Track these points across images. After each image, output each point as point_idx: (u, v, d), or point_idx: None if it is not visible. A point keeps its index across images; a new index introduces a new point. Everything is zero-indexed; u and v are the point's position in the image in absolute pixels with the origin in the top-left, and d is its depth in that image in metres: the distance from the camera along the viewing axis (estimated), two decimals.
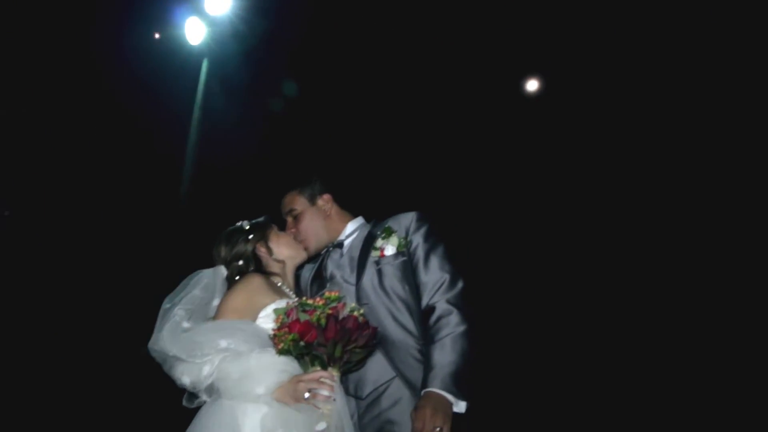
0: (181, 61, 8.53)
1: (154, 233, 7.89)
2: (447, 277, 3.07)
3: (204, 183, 8.23)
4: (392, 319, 3.04)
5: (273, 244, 3.24)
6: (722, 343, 8.11)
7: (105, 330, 7.27)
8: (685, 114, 8.96)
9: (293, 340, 2.61)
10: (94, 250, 7.95)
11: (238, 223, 3.31)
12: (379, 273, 3.14)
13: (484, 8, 9.12)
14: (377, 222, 3.41)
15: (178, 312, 2.82)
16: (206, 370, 2.67)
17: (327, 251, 3.41)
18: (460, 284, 3.07)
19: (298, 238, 3.37)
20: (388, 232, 3.24)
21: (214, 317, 2.90)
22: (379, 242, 3.23)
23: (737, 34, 8.28)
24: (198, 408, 2.77)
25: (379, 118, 9.16)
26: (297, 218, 3.38)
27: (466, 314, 2.98)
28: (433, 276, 3.08)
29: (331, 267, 3.33)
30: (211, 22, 8.32)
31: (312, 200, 3.42)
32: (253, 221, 3.32)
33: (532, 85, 10.14)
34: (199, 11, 8.22)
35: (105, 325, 7.32)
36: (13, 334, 7.03)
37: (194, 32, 8.26)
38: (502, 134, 9.99)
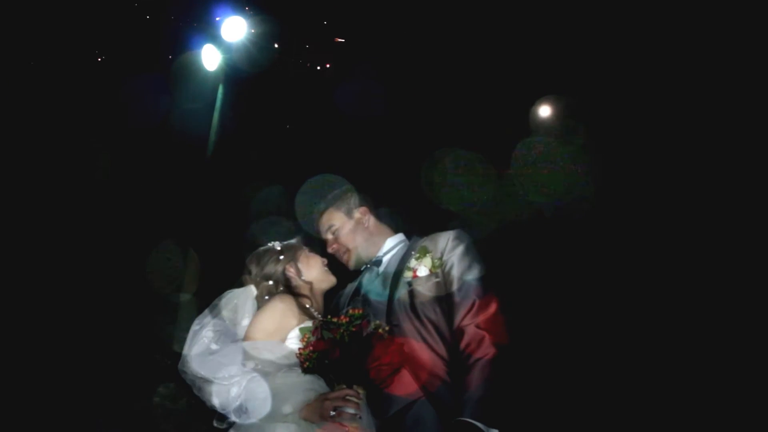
0: (197, 87, 8.67)
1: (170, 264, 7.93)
2: (479, 300, 2.94)
3: (220, 208, 8.28)
4: (421, 340, 2.96)
5: (302, 266, 3.28)
6: (722, 343, 8.01)
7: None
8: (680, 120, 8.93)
9: (317, 358, 2.64)
10: (112, 273, 7.98)
11: (270, 244, 3.35)
12: (411, 294, 3.06)
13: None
14: (418, 238, 3.34)
15: (207, 334, 2.87)
16: (234, 391, 2.71)
17: (365, 269, 3.42)
18: (492, 308, 2.93)
19: (341, 253, 3.40)
20: (423, 252, 3.16)
21: (243, 338, 2.93)
22: (412, 262, 3.16)
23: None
24: (228, 429, 2.81)
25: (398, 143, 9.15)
26: (336, 233, 3.40)
27: (497, 339, 2.83)
28: (465, 298, 2.95)
29: (366, 285, 3.32)
30: (227, 48, 8.46)
31: (349, 214, 3.44)
32: (285, 242, 3.36)
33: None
34: (215, 38, 8.37)
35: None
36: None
37: (210, 58, 8.40)
38: None
